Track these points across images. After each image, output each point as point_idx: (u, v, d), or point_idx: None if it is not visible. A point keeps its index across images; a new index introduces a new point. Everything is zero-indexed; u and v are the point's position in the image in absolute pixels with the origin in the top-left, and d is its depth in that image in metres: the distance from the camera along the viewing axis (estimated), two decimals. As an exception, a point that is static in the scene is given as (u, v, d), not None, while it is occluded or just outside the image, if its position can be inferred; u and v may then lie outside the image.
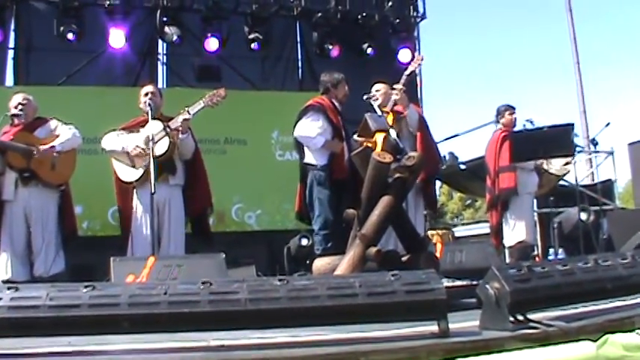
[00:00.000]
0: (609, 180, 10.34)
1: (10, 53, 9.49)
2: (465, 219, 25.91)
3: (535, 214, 8.87)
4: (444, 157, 11.35)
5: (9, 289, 2.68)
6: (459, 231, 12.06)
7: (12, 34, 9.45)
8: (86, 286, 2.68)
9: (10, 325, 2.61)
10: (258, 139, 9.78)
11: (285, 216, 9.15)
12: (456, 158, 10.96)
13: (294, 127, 6.17)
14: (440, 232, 10.18)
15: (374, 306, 2.77)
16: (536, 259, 8.58)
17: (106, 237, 8.19)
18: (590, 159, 11.59)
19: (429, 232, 9.76)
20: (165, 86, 10.17)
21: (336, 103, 6.26)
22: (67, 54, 9.33)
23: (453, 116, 48.12)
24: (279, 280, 2.78)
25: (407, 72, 5.86)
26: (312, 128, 6.06)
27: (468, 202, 30.51)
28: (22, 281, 5.33)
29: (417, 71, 10.57)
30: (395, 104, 5.84)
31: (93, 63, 9.41)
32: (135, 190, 5.91)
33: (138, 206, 5.87)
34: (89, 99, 8.78)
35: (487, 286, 2.98)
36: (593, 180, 11.15)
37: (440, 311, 2.83)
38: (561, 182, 8.52)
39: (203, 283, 2.73)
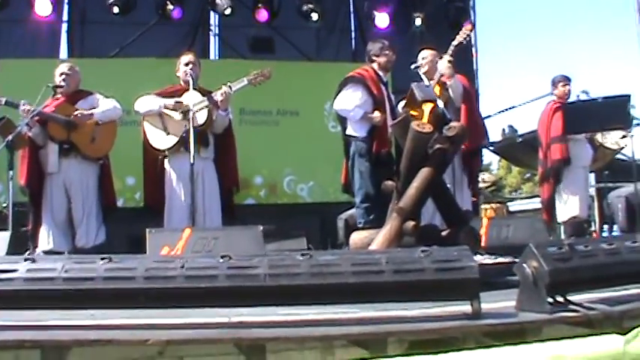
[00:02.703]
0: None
1: (64, 27, 9.52)
2: (524, 193, 25.32)
3: (593, 188, 8.56)
4: (503, 129, 11.05)
5: (26, 260, 2.65)
6: (516, 205, 11.78)
7: (65, 7, 9.48)
8: (102, 259, 2.63)
9: (25, 296, 2.58)
10: (310, 111, 9.66)
11: (337, 188, 8.95)
12: (515, 131, 10.71)
13: (334, 99, 6.07)
14: (494, 205, 9.92)
15: (401, 284, 2.64)
16: (594, 235, 8.30)
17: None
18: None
19: (483, 206, 9.53)
20: (217, 57, 10.15)
21: (380, 73, 6.08)
22: (119, 26, 9.31)
23: (511, 87, 46.85)
24: (302, 255, 2.68)
25: (454, 42, 5.65)
26: (350, 100, 5.94)
27: (527, 175, 29.79)
28: (63, 252, 5.41)
29: (472, 41, 10.32)
30: (441, 75, 5.64)
31: (145, 35, 9.37)
32: (166, 160, 5.83)
33: (171, 176, 5.79)
34: (142, 70, 8.79)
35: (524, 264, 2.82)
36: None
37: (472, 291, 2.68)
38: (619, 156, 8.15)
39: (222, 257, 2.64)
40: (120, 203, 7.62)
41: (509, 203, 11.42)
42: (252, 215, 8.11)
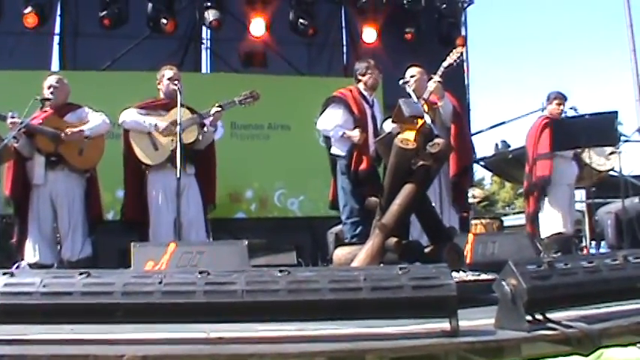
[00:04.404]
0: (661, 171, 9.86)
1: (56, 39, 9.52)
2: (517, 208, 25.36)
3: (583, 204, 8.57)
4: (496, 144, 11.06)
5: (4, 274, 2.64)
6: (510, 219, 11.75)
7: (57, 20, 9.48)
8: (81, 273, 2.63)
9: (3, 311, 2.57)
10: (302, 125, 9.60)
11: (327, 202, 9.01)
12: (508, 146, 10.68)
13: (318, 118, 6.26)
14: (484, 221, 9.89)
15: (378, 301, 2.64)
16: (584, 251, 8.30)
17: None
18: (645, 149, 11.09)
19: (473, 222, 9.51)
20: (209, 71, 10.17)
21: (365, 92, 6.24)
22: (111, 39, 9.30)
23: (502, 102, 46.88)
24: (280, 271, 2.68)
25: (444, 64, 5.69)
26: (331, 120, 6.16)
27: (520, 191, 29.79)
28: (50, 265, 5.44)
29: (464, 57, 10.34)
30: (430, 94, 5.68)
31: (137, 48, 9.35)
32: (149, 175, 5.87)
33: (156, 191, 5.82)
34: (134, 83, 8.72)
35: (503, 282, 2.81)
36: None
37: (450, 308, 2.67)
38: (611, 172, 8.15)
39: (200, 272, 2.65)
40: (110, 216, 7.63)
41: (503, 218, 11.40)
42: (243, 229, 8.13)
